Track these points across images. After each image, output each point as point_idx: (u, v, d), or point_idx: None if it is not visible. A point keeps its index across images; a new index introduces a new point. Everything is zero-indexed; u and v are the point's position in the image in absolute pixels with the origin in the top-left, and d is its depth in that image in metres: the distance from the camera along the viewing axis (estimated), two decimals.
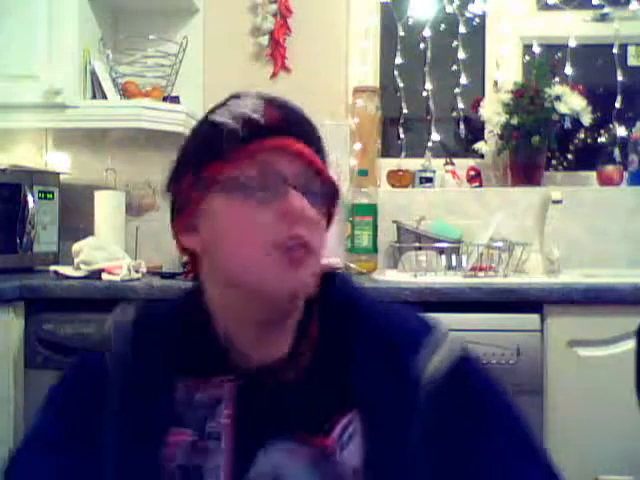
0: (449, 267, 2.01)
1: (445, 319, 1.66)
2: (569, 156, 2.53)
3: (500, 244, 1.98)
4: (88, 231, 2.20)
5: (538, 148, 2.31)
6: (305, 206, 0.74)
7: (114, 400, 0.77)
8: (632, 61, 2.49)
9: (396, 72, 2.53)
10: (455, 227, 2.21)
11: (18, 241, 2.09)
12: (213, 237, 0.77)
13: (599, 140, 2.53)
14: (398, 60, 2.53)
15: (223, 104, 0.82)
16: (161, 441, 0.74)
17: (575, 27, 2.46)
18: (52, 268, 1.94)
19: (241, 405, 0.76)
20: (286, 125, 0.77)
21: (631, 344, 1.67)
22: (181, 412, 0.76)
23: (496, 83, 2.46)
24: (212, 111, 0.82)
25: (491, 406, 0.79)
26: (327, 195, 0.79)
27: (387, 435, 0.74)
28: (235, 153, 0.75)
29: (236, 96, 0.83)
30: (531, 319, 1.69)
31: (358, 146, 2.31)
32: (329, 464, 0.73)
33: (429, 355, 0.76)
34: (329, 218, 0.82)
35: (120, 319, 0.83)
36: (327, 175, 0.78)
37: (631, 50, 2.49)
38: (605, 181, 2.36)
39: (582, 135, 2.52)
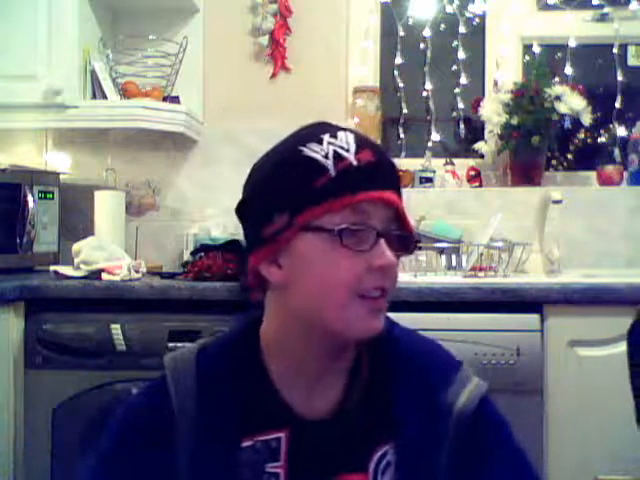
0: (449, 267, 2.01)
1: (445, 319, 1.68)
2: (569, 156, 2.53)
3: (500, 244, 1.98)
4: (88, 231, 2.20)
5: (538, 148, 2.31)
6: (392, 259, 0.78)
7: (184, 452, 0.80)
8: (632, 61, 2.49)
9: (396, 72, 2.53)
10: (455, 227, 2.21)
11: (18, 241, 2.09)
12: (299, 275, 0.78)
13: (599, 140, 2.53)
14: (398, 60, 2.53)
15: (313, 134, 0.81)
16: None
17: (575, 27, 2.46)
18: (52, 268, 1.94)
19: (293, 456, 0.81)
20: (378, 169, 0.79)
21: None
22: (243, 467, 0.81)
23: (496, 83, 2.46)
24: (301, 140, 0.81)
25: (504, 443, 0.85)
26: (404, 239, 0.81)
27: (419, 465, 0.80)
28: (340, 200, 0.76)
29: (324, 127, 0.83)
30: (531, 319, 1.69)
31: None
32: None
33: (460, 389, 0.83)
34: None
35: (180, 369, 0.84)
36: (408, 223, 0.81)
37: (631, 50, 2.49)
38: (605, 181, 2.36)
39: (582, 135, 2.53)
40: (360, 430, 0.82)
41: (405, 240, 0.81)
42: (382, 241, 0.77)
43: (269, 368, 0.83)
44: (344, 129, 0.82)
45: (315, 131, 0.82)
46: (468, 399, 0.82)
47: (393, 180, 0.80)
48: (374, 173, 0.78)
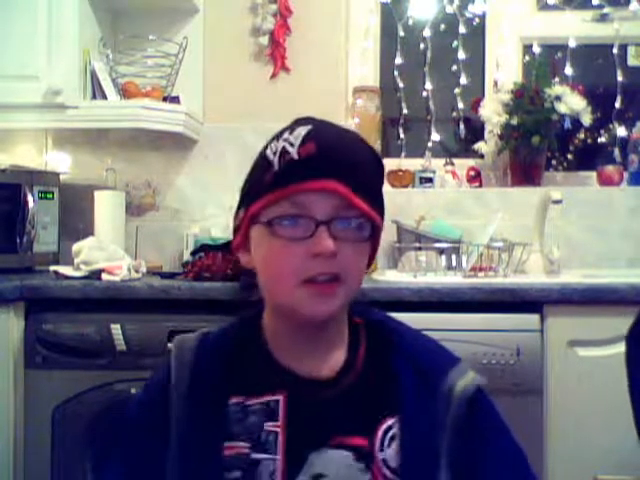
0: (449, 267, 2.01)
1: (445, 319, 1.68)
2: (569, 156, 2.54)
3: (500, 244, 1.98)
4: (88, 231, 2.20)
5: (538, 148, 2.31)
6: (330, 246, 0.80)
7: (178, 415, 0.86)
8: (632, 61, 2.49)
9: (396, 72, 2.54)
10: (455, 227, 2.21)
11: (18, 241, 2.09)
12: (257, 264, 0.87)
13: (599, 140, 2.53)
14: (398, 60, 2.53)
15: (279, 132, 0.86)
16: (219, 453, 0.84)
17: (575, 27, 2.46)
18: (52, 268, 1.94)
19: (292, 416, 0.85)
20: (318, 161, 0.81)
21: None
22: (236, 426, 0.85)
23: (496, 83, 2.46)
24: (270, 138, 0.87)
25: (497, 431, 0.89)
26: (359, 226, 0.84)
27: (422, 441, 0.84)
28: (275, 194, 0.81)
29: (295, 123, 0.87)
30: (531, 319, 1.69)
31: None
32: (369, 460, 0.84)
33: (457, 377, 0.87)
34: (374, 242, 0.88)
35: (184, 346, 0.91)
36: (363, 208, 0.82)
37: (631, 50, 2.49)
38: (605, 181, 2.36)
39: (582, 135, 2.53)
40: (360, 398, 0.86)
41: (360, 226, 0.83)
42: (322, 229, 0.80)
43: (268, 342, 0.89)
44: (311, 123, 0.85)
45: (284, 128, 0.87)
46: (466, 386, 0.86)
47: (340, 169, 0.81)
48: (313, 165, 0.81)
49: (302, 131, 0.83)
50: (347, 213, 0.82)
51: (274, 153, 0.83)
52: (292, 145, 0.82)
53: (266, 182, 0.82)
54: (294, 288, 0.82)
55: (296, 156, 0.81)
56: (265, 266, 0.85)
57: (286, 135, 0.84)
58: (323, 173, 0.81)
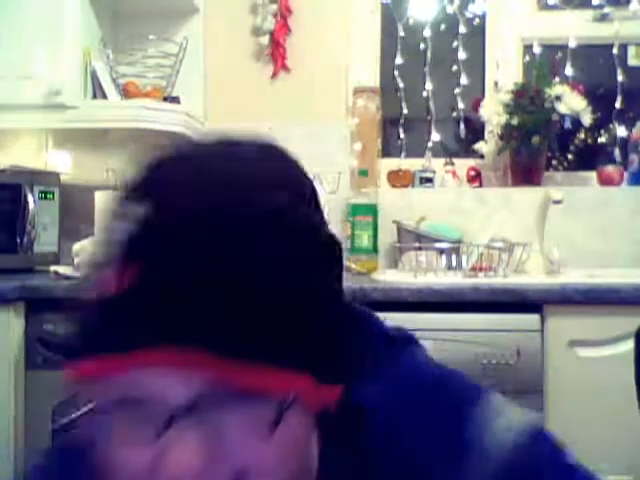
0: (449, 267, 2.01)
1: (445, 319, 1.68)
2: (569, 156, 2.53)
3: (500, 244, 1.98)
4: (89, 231, 2.20)
5: (538, 148, 2.31)
6: (189, 464, 0.44)
7: None
8: (632, 61, 2.49)
9: (396, 72, 2.53)
10: (455, 227, 2.21)
11: (18, 241, 2.09)
12: None
13: (599, 140, 2.53)
14: (398, 60, 2.53)
15: (117, 202, 0.50)
16: None
17: (575, 27, 2.46)
18: (52, 268, 1.94)
19: None
20: (154, 305, 0.44)
21: (632, 344, 1.67)
22: None
23: (496, 83, 2.46)
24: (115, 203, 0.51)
25: None
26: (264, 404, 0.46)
27: None
28: (83, 365, 0.46)
29: (146, 172, 0.53)
30: (531, 319, 1.69)
31: (358, 146, 2.31)
32: None
33: (486, 434, 0.56)
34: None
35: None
36: (252, 384, 0.45)
37: (631, 50, 2.49)
38: (605, 181, 2.36)
39: (582, 135, 2.52)
40: None
41: (257, 405, 0.46)
42: (178, 426, 0.44)
43: None
44: (157, 186, 0.49)
45: (127, 187, 0.52)
46: (507, 440, 0.55)
47: (195, 318, 0.43)
48: (134, 316, 0.44)
49: (124, 227, 0.46)
50: (226, 385, 0.44)
51: (83, 275, 0.49)
52: (106, 266, 0.46)
53: (75, 335, 0.48)
54: None
55: (111, 292, 0.45)
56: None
57: (111, 221, 0.48)
58: (160, 332, 0.43)
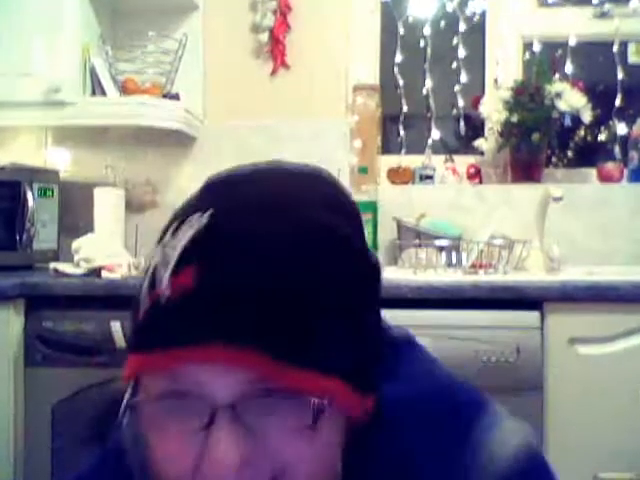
0: (449, 264, 2.01)
1: (445, 316, 1.68)
2: (569, 153, 2.53)
3: (500, 241, 1.98)
4: (88, 228, 2.20)
5: (538, 145, 2.30)
6: (227, 458, 0.46)
7: None
8: (632, 58, 2.49)
9: (396, 70, 2.53)
10: (455, 224, 2.21)
11: (18, 238, 2.09)
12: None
13: (599, 137, 2.53)
14: (398, 58, 2.52)
15: (175, 217, 0.54)
16: None
17: (575, 24, 2.46)
18: (52, 265, 1.94)
19: None
20: (206, 307, 0.47)
21: (632, 342, 1.67)
22: None
23: (496, 81, 2.45)
24: (171, 220, 0.55)
25: None
26: (303, 404, 0.48)
27: None
28: (138, 357, 0.51)
29: (204, 191, 0.56)
30: (531, 317, 1.69)
31: (358, 143, 2.30)
32: None
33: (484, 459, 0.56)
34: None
35: None
36: (295, 384, 0.47)
37: (631, 47, 2.48)
38: (605, 178, 2.36)
39: (582, 132, 2.52)
40: None
41: (296, 406, 0.48)
42: (222, 418, 0.47)
43: None
44: (222, 198, 0.53)
45: (188, 201, 0.55)
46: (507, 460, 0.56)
47: (245, 321, 0.47)
48: (192, 314, 0.47)
49: (188, 232, 0.50)
50: (271, 384, 0.47)
51: (147, 275, 0.52)
52: (166, 267, 0.49)
53: (133, 331, 0.53)
54: None
55: (167, 294, 0.48)
56: (153, 453, 0.51)
57: (167, 237, 0.52)
58: (212, 330, 0.47)
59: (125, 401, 0.53)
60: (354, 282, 0.52)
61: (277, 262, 0.48)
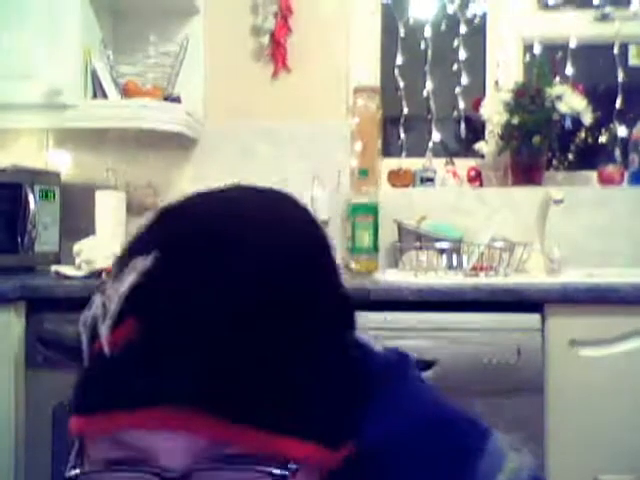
0: (450, 267, 2.01)
1: (446, 319, 1.68)
2: (570, 156, 2.53)
3: (501, 244, 1.98)
4: (89, 231, 2.20)
5: (539, 148, 2.31)
6: None
7: None
8: (633, 61, 2.49)
9: (397, 72, 2.53)
10: (456, 227, 2.21)
11: (19, 241, 2.09)
12: None
13: (600, 140, 2.53)
14: (399, 60, 2.53)
15: (122, 256, 0.51)
16: None
17: (576, 27, 2.46)
18: (53, 268, 1.94)
19: None
20: (151, 361, 0.42)
21: (632, 344, 1.67)
22: None
23: (497, 83, 2.46)
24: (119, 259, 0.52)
25: None
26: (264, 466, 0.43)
27: None
28: (80, 420, 0.45)
29: (158, 221, 0.53)
30: (532, 319, 1.69)
31: (359, 146, 2.31)
32: None
33: None
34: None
35: None
36: (245, 447, 0.42)
37: (632, 50, 2.49)
38: (606, 181, 2.36)
39: (583, 135, 2.52)
40: None
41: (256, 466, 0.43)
42: None
43: None
44: (167, 238, 0.49)
45: (137, 234, 0.53)
46: None
47: (197, 378, 0.42)
48: (136, 370, 0.42)
49: (129, 277, 0.46)
50: (228, 450, 0.42)
51: (86, 327, 0.48)
52: (104, 316, 0.45)
53: (73, 389, 0.46)
54: None
55: (107, 347, 0.44)
56: None
57: (110, 282, 0.48)
58: (157, 391, 0.42)
59: (68, 469, 0.46)
60: (316, 326, 0.46)
61: (227, 314, 0.43)
